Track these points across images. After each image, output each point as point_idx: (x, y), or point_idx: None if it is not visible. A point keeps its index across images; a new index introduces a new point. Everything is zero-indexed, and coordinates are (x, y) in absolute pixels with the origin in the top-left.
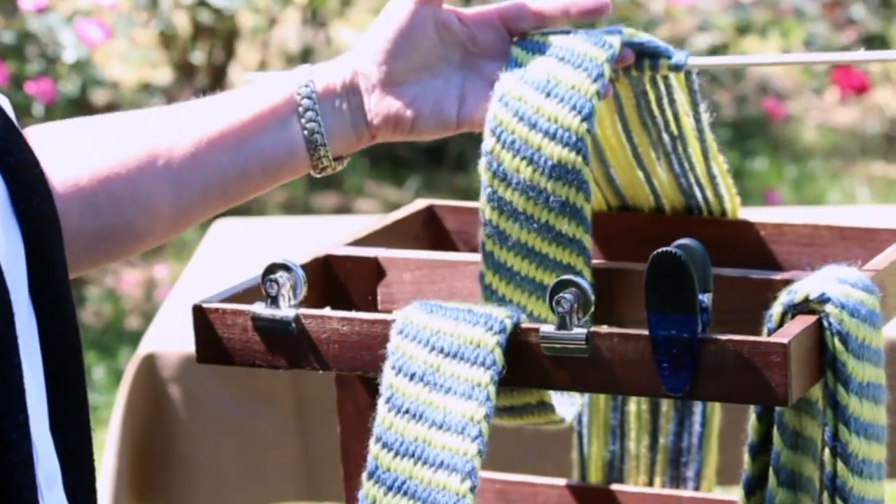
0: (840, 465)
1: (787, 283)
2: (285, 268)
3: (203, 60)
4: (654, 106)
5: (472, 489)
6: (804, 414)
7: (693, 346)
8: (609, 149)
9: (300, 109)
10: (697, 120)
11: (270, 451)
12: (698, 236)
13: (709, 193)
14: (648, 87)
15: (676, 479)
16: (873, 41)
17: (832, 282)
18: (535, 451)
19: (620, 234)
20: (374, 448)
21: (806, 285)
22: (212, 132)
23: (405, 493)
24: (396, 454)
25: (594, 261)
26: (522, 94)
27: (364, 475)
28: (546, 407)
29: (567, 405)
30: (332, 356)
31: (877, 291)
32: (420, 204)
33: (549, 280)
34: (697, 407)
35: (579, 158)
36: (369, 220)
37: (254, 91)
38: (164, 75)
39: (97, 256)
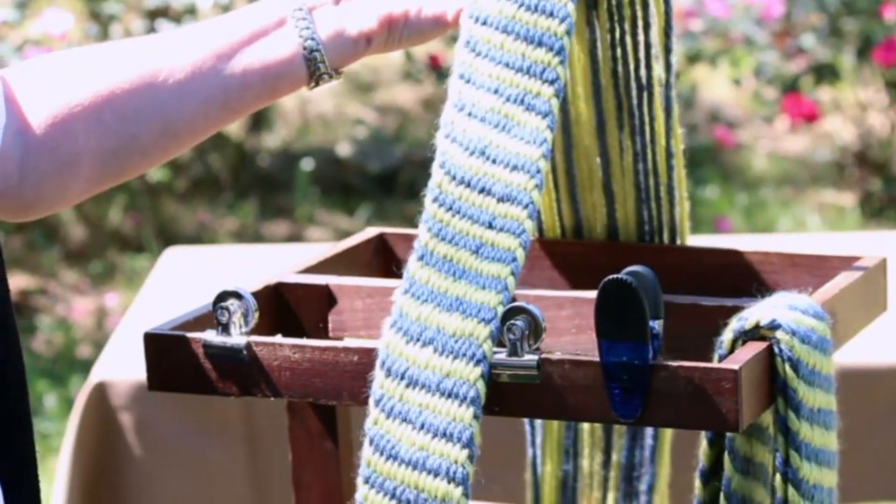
0: (791, 490)
1: (737, 309)
2: (236, 295)
3: None
4: (628, 36)
5: None
6: (755, 440)
7: (644, 372)
8: (576, 119)
9: (294, 21)
10: (668, 50)
11: (221, 480)
12: (650, 264)
13: (662, 190)
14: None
15: (630, 496)
16: (823, 70)
17: (783, 308)
18: (484, 475)
19: (573, 261)
20: (363, 488)
21: (756, 312)
22: (212, 45)
23: None
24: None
25: (548, 290)
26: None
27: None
28: None
29: None
30: (283, 383)
31: (827, 318)
32: (371, 232)
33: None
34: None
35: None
36: (320, 249)
37: (249, 10)
38: None
39: (107, 175)
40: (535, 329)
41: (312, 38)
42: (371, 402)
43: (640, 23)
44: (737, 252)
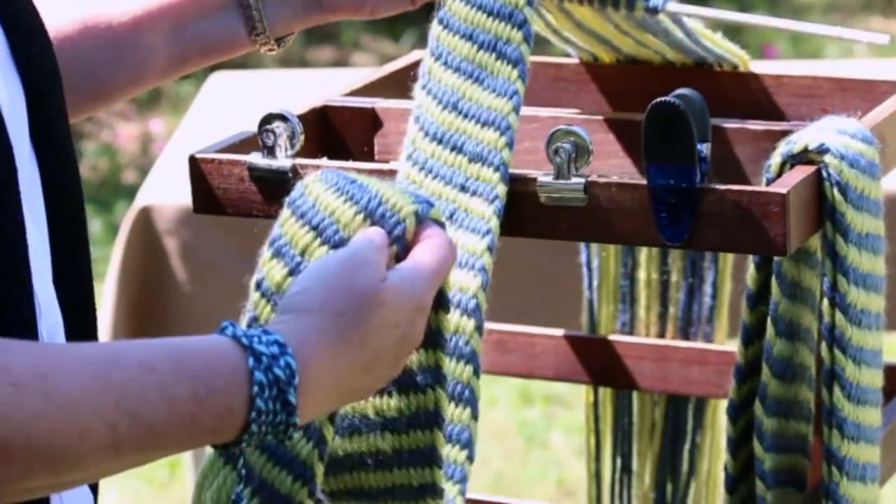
0: (839, 315)
1: (785, 133)
2: (282, 118)
3: None
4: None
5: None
6: (803, 264)
7: (691, 195)
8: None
9: None
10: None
11: None
12: (698, 87)
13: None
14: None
15: (687, 326)
16: None
17: (831, 132)
18: (535, 305)
19: (623, 85)
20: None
21: (805, 136)
22: (150, 12)
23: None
24: None
25: (596, 113)
26: None
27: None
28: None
29: None
30: None
31: (876, 142)
32: (417, 55)
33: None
34: (708, 279)
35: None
36: (366, 72)
37: None
38: None
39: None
40: (582, 151)
41: (258, 18)
42: (417, 87)
43: None
44: (785, 76)
